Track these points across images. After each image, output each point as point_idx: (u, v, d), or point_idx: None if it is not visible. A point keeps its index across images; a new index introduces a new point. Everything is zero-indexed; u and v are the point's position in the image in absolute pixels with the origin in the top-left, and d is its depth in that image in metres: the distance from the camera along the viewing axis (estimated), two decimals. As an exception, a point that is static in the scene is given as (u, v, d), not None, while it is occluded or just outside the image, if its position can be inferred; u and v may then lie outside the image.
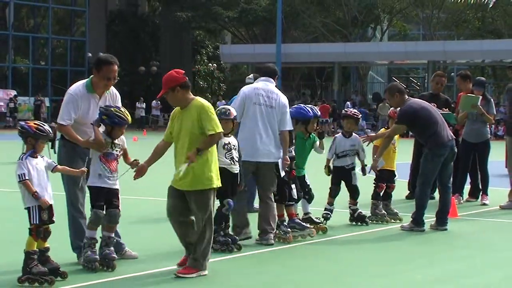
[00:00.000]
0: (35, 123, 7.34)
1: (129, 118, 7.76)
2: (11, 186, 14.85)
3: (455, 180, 13.56)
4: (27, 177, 7.09)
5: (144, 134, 40.01)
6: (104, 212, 7.65)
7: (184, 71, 7.67)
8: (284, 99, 9.65)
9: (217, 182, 7.66)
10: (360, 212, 10.84)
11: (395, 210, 11.34)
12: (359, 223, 10.80)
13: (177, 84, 7.53)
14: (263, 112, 9.46)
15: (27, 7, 61.08)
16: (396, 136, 11.18)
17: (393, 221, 11.13)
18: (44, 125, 7.36)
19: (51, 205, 7.26)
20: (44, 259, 7.21)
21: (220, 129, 7.63)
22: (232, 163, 8.69)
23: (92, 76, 8.12)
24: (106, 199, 7.66)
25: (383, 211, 11.20)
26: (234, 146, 8.76)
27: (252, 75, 12.01)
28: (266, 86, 9.67)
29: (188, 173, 7.47)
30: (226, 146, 8.65)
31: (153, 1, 64.65)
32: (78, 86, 8.08)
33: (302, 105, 10.13)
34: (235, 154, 8.73)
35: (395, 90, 10.73)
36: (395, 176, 11.44)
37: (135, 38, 59.55)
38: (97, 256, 7.61)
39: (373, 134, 11.28)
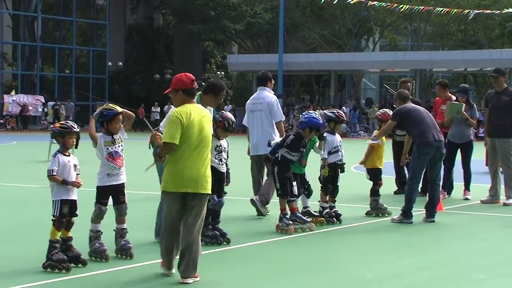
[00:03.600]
0: (59, 123, 7.51)
1: (118, 108, 7.70)
2: (38, 182, 14.94)
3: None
4: (54, 173, 7.18)
5: (159, 135, 39.97)
6: (107, 207, 7.65)
7: (194, 78, 7.20)
8: (269, 98, 10.98)
9: (165, 185, 6.90)
10: (337, 210, 10.54)
11: (385, 205, 11.25)
12: (331, 220, 10.35)
13: (181, 88, 7.06)
14: (255, 116, 11.01)
15: (54, 21, 61.11)
16: (383, 138, 11.25)
17: (380, 215, 11.08)
18: (68, 122, 7.50)
19: (75, 200, 7.31)
20: (66, 247, 7.26)
21: (167, 139, 6.80)
22: (220, 163, 8.61)
23: (199, 94, 8.50)
24: (113, 196, 7.67)
25: (384, 206, 11.16)
26: (225, 148, 8.70)
27: (196, 82, 12.83)
28: (258, 94, 11.16)
29: None
30: (217, 148, 8.55)
31: (167, 15, 64.64)
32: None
33: (311, 113, 9.85)
34: (224, 155, 8.67)
35: (396, 97, 11.69)
36: (381, 173, 11.34)
37: (150, 48, 59.54)
38: (105, 247, 7.60)
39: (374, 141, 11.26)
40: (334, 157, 10.46)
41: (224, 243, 8.62)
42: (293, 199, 9.72)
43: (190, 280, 6.72)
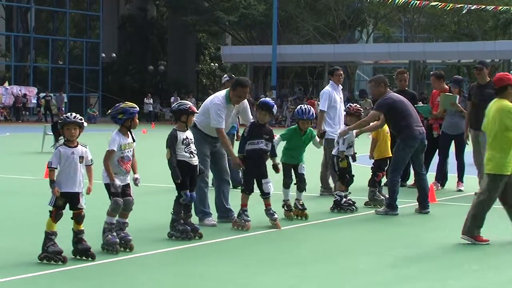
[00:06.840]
0: (64, 115, 7.39)
1: (137, 107, 7.82)
2: (31, 174, 14.91)
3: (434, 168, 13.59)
4: (53, 166, 7.09)
5: (153, 127, 39.97)
6: (122, 200, 7.62)
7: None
8: (323, 90, 12.22)
9: (507, 169, 8.38)
10: (350, 199, 10.71)
11: (382, 197, 11.26)
12: (350, 209, 10.54)
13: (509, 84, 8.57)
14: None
15: (47, 12, 60.94)
16: (386, 128, 11.34)
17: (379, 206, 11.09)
18: (72, 114, 7.34)
19: (77, 193, 7.18)
20: (77, 240, 7.25)
21: None
22: (192, 156, 8.33)
23: (229, 89, 9.22)
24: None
25: (382, 197, 11.18)
26: (191, 139, 8.39)
27: (226, 74, 13.85)
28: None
29: None
30: (184, 141, 8.29)
31: (161, 6, 64.51)
32: (221, 97, 9.20)
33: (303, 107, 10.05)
34: (193, 147, 8.35)
35: (381, 81, 10.85)
36: (386, 165, 11.38)
37: (144, 40, 59.43)
38: (117, 240, 7.57)
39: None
40: (350, 150, 10.76)
41: (196, 238, 8.30)
42: (266, 196, 9.21)
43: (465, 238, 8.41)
